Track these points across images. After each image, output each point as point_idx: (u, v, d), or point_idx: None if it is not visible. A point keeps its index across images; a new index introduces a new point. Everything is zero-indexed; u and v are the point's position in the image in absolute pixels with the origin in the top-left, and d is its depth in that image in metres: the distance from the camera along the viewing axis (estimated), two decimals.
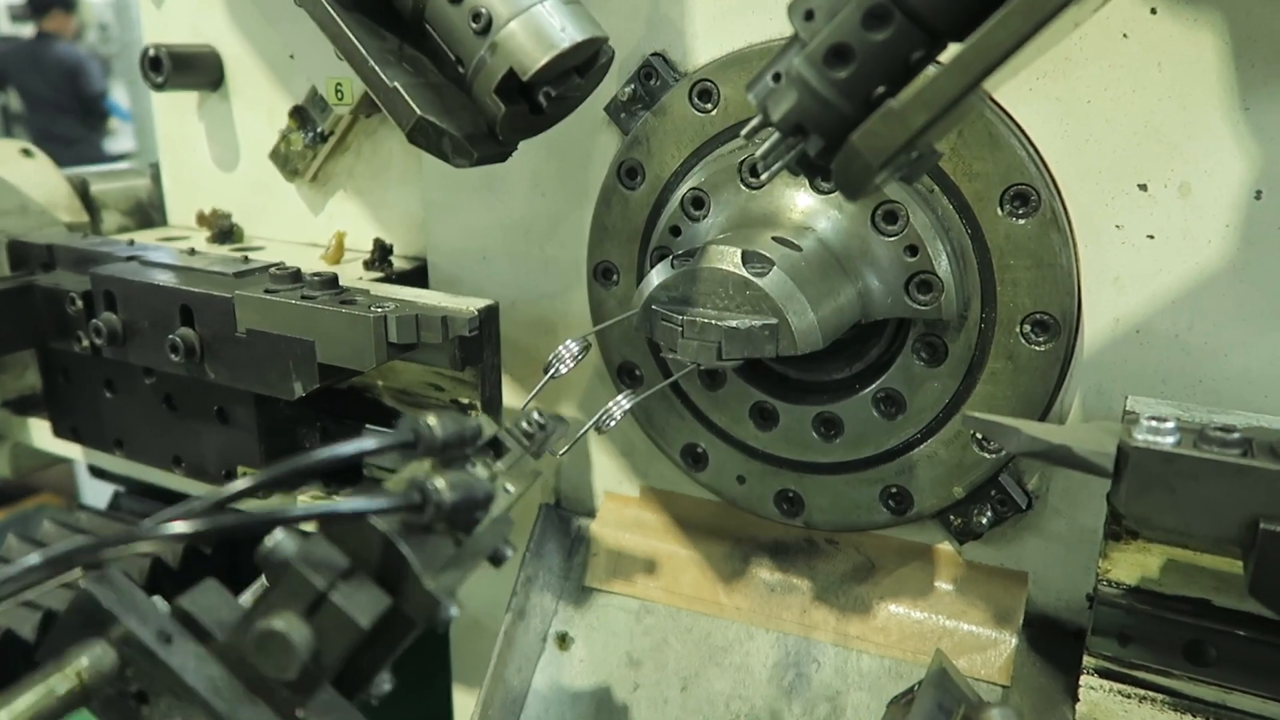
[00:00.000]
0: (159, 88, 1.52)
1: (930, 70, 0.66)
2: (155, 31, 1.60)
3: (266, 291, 1.12)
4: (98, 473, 1.73)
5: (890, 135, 0.65)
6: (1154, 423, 0.73)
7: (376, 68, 0.84)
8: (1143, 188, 0.99)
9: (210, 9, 1.54)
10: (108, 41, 8.39)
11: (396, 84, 0.83)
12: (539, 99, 0.84)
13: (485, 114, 0.85)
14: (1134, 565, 0.92)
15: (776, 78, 0.71)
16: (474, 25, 0.82)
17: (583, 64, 0.85)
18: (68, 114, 7.12)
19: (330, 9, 0.84)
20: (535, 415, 0.87)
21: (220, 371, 1.17)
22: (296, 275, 1.15)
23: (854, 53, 0.66)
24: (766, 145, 0.74)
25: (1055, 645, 1.13)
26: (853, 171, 0.67)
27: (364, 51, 0.84)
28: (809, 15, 0.68)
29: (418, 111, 0.83)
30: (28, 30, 8.43)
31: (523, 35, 0.80)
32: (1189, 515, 0.70)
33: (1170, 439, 0.72)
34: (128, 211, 1.76)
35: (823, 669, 1.22)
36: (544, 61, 0.80)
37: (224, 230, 1.61)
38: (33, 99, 7.15)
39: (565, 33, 0.81)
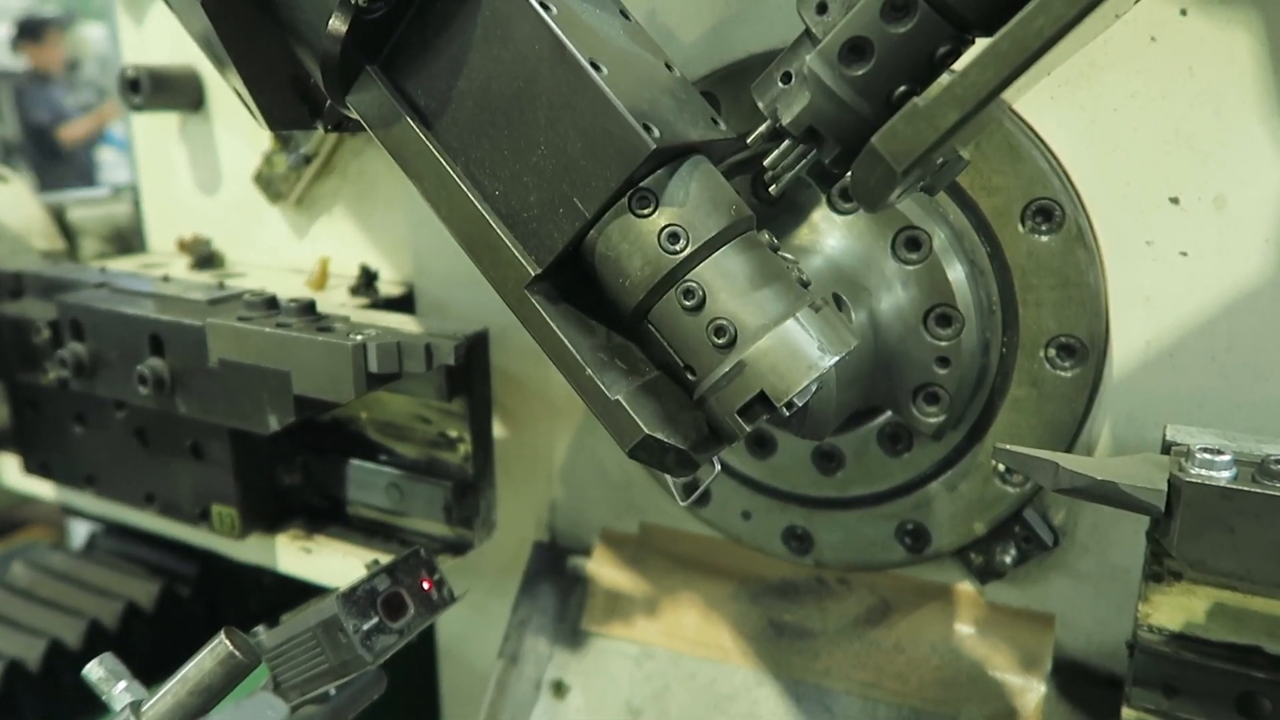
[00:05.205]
0: (138, 109, 1.47)
1: (957, 66, 0.60)
2: (135, 51, 1.55)
3: (240, 319, 1.05)
4: (70, 512, 1.65)
5: (916, 137, 0.59)
6: (1207, 455, 0.66)
7: (594, 377, 0.70)
8: (1174, 201, 0.92)
9: None
10: (107, 74, 8.39)
11: (619, 398, 0.70)
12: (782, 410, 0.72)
13: (720, 430, 0.73)
14: (1177, 609, 0.84)
15: (786, 78, 0.65)
16: (716, 340, 0.69)
17: None
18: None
19: (540, 309, 0.71)
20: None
21: (191, 404, 1.10)
22: (272, 302, 1.09)
23: (873, 47, 0.60)
24: (776, 153, 0.67)
25: (1086, 693, 1.05)
26: (873, 179, 0.61)
27: (579, 359, 0.71)
28: (822, 8, 0.63)
29: (645, 430, 0.70)
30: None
31: (777, 356, 0.68)
32: (1250, 557, 0.63)
33: (1226, 473, 0.65)
34: (107, 238, 1.70)
35: (836, 719, 1.14)
36: (803, 387, 0.68)
37: (205, 256, 1.55)
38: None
39: (824, 351, 0.69)
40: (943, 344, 0.97)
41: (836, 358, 0.69)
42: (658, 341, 0.72)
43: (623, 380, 0.71)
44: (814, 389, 0.70)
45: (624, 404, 0.70)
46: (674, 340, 0.71)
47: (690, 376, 0.71)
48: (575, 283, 0.74)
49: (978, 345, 0.97)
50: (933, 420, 0.99)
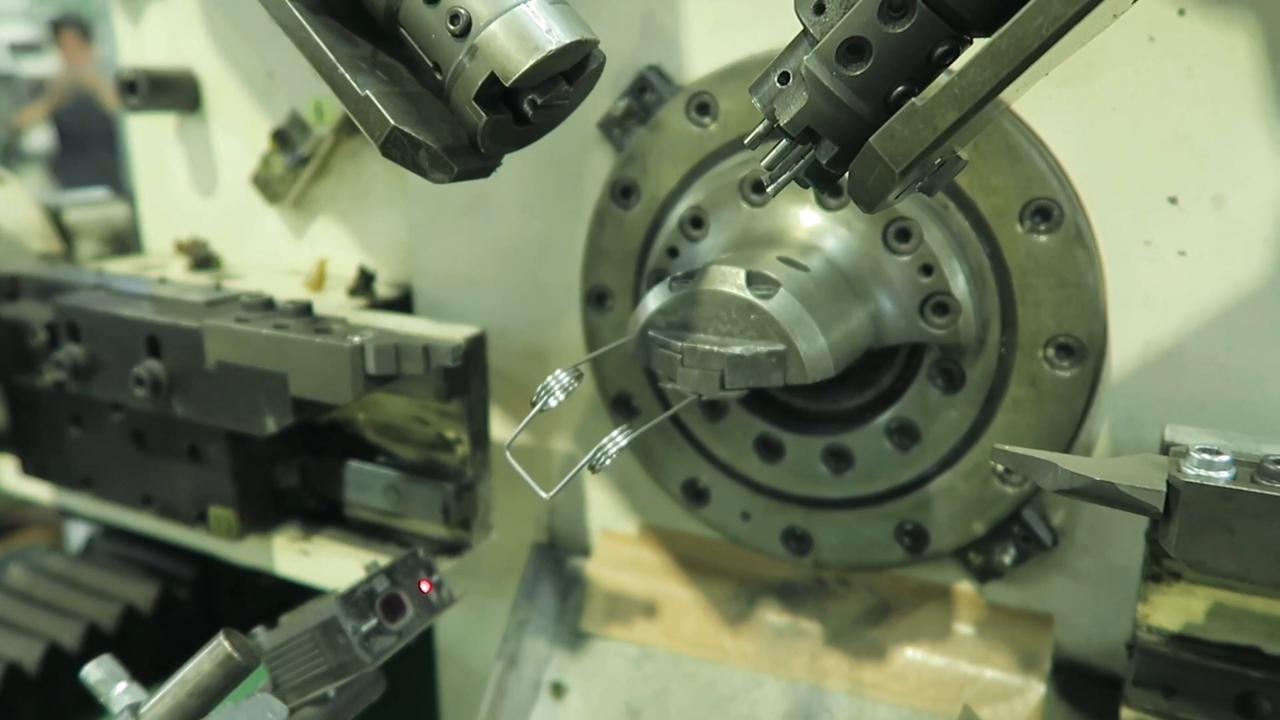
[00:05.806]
0: (135, 110, 1.47)
1: (955, 66, 0.60)
2: (132, 52, 1.54)
3: (237, 321, 1.05)
4: (68, 514, 1.65)
5: (914, 137, 0.59)
6: (1206, 455, 0.66)
7: (347, 75, 0.77)
8: (1173, 201, 0.92)
9: (188, 28, 1.48)
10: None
11: (368, 92, 0.77)
12: (524, 107, 0.78)
13: (466, 124, 0.78)
14: (1176, 610, 0.84)
15: (784, 78, 0.65)
16: (451, 27, 0.75)
17: (571, 70, 0.79)
18: None
19: (296, 12, 0.78)
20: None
21: (188, 406, 1.10)
22: (269, 304, 1.09)
23: (871, 47, 0.60)
24: (773, 154, 0.68)
25: (1085, 693, 1.05)
26: (871, 179, 0.61)
27: (333, 58, 0.77)
28: (819, 8, 0.63)
29: (391, 122, 0.76)
30: (30, 66, 8.41)
31: (505, 37, 0.74)
32: (1250, 558, 0.63)
33: (1225, 473, 0.65)
34: (105, 240, 1.69)
35: (836, 719, 1.14)
36: (528, 65, 0.73)
37: (203, 258, 1.54)
38: None
39: (551, 34, 0.74)
40: (904, 257, 0.96)
41: (566, 40, 0.74)
42: (414, 51, 0.79)
43: (378, 84, 0.78)
44: (563, 89, 0.77)
45: (373, 99, 0.76)
46: (419, 36, 0.78)
47: (439, 76, 0.78)
48: (352, 15, 0.82)
49: (950, 243, 0.96)
50: (943, 331, 0.97)
